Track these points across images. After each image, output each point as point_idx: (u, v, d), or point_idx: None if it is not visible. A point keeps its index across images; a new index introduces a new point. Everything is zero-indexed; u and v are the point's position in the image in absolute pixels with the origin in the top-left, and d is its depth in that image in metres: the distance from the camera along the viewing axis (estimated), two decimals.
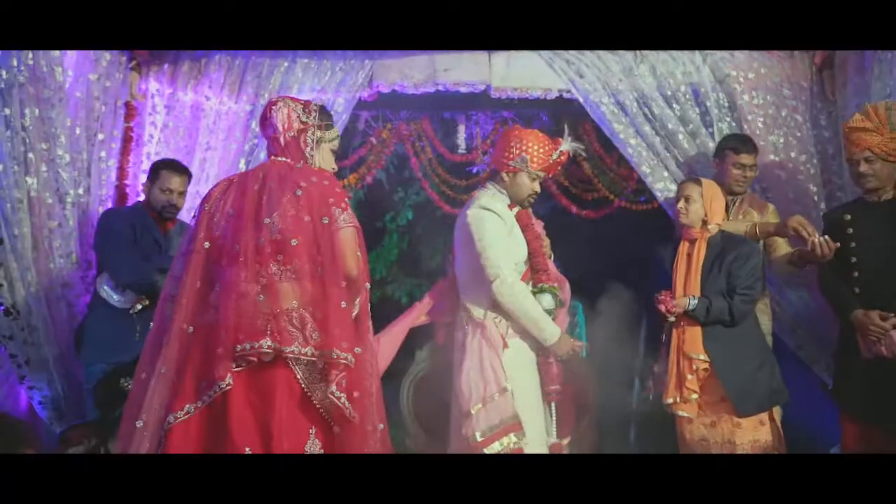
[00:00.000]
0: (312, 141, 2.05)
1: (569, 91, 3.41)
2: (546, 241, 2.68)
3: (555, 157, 2.58)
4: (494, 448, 2.32)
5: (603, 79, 3.34)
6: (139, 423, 1.85)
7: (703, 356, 2.55)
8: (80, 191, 2.99)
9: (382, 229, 5.66)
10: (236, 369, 1.84)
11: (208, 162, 3.35)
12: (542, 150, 2.55)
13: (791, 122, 3.28)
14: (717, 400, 2.59)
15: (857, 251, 2.59)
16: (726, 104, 3.33)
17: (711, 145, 3.26)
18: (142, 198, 3.07)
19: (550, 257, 2.71)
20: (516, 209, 2.60)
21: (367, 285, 2.02)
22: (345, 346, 1.86)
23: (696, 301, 2.55)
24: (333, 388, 1.85)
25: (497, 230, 2.48)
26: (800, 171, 3.23)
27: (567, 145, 2.61)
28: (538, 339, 2.49)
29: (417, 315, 2.71)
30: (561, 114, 4.11)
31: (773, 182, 3.25)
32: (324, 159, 2.09)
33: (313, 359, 1.86)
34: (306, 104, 2.10)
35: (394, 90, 3.45)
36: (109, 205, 3.17)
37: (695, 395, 2.56)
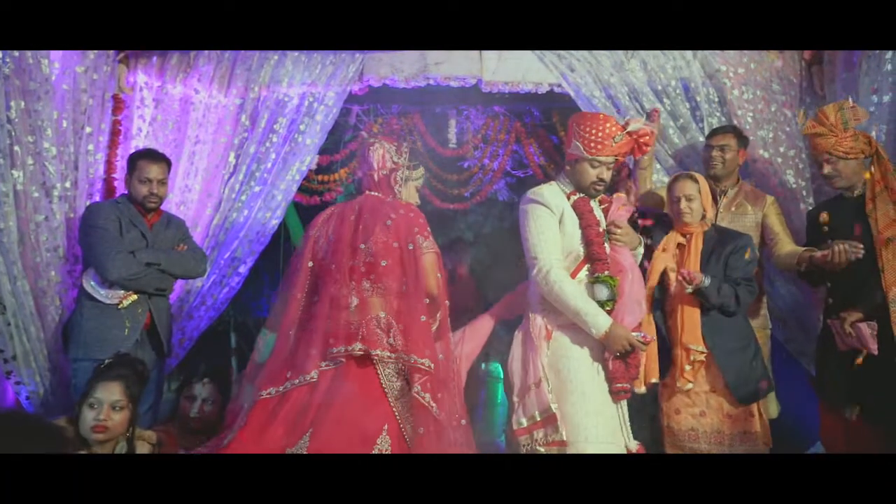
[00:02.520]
0: (402, 179, 2.40)
1: (560, 85, 3.41)
2: (622, 230, 2.46)
3: (618, 139, 2.39)
4: (534, 437, 2.30)
5: (594, 73, 3.34)
6: (245, 405, 2.22)
7: (701, 347, 2.57)
8: (68, 184, 2.96)
9: None
10: (325, 367, 2.16)
11: (197, 155, 3.33)
12: (597, 134, 2.38)
13: (780, 117, 3.30)
14: (707, 390, 2.61)
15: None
16: (716, 99, 3.35)
17: (702, 139, 3.27)
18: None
19: (639, 244, 2.55)
20: (576, 197, 2.46)
21: (447, 302, 2.30)
22: (425, 353, 2.15)
23: (709, 279, 2.57)
24: (418, 388, 2.13)
25: (539, 220, 2.40)
26: (788, 166, 3.25)
27: (636, 125, 2.42)
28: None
29: (505, 307, 2.69)
30: (552, 108, 4.11)
31: (762, 176, 3.27)
32: (409, 195, 2.43)
33: (393, 361, 2.16)
34: (399, 146, 2.43)
35: (385, 84, 3.43)
36: (97, 199, 3.14)
37: (689, 385, 2.59)
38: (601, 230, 2.44)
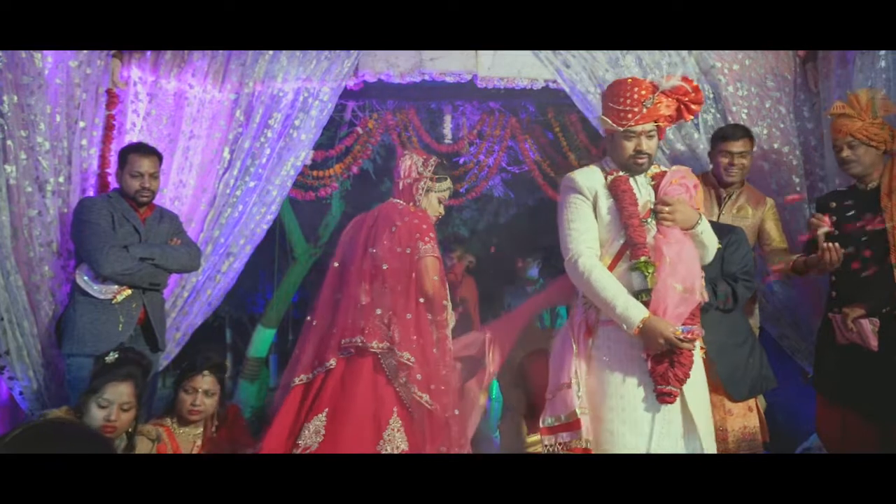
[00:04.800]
0: (423, 189, 2.58)
1: (555, 81, 3.41)
2: (670, 207, 2.14)
3: (649, 103, 2.11)
4: (558, 440, 2.16)
5: (589, 69, 3.34)
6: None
7: (700, 344, 2.57)
8: (61, 179, 2.95)
9: None
10: (342, 356, 2.41)
11: (192, 151, 3.31)
12: (625, 102, 2.12)
13: (775, 113, 3.31)
14: (710, 389, 2.61)
15: (838, 238, 2.63)
16: (711, 95, 3.35)
17: (696, 136, 3.28)
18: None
19: (698, 221, 2.19)
20: (614, 176, 2.20)
21: (445, 302, 2.46)
22: (408, 348, 2.36)
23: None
24: (403, 378, 2.36)
25: (569, 208, 2.20)
26: (783, 162, 3.26)
27: (671, 83, 2.13)
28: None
29: (547, 298, 2.68)
30: (547, 104, 4.12)
31: (757, 173, 3.28)
32: (429, 204, 2.61)
33: (388, 352, 2.37)
34: (427, 159, 2.62)
35: (380, 79, 3.43)
36: (91, 194, 3.12)
37: None
38: (643, 211, 2.17)
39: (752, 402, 2.64)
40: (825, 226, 2.52)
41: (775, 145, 3.28)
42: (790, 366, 3.24)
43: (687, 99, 2.15)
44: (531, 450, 3.27)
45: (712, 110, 3.35)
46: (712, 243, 2.28)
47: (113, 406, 2.26)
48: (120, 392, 2.28)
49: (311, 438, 2.29)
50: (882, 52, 2.91)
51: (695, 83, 2.18)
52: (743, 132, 2.92)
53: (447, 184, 2.64)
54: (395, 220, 2.49)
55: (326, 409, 2.34)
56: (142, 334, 2.86)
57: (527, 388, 3.02)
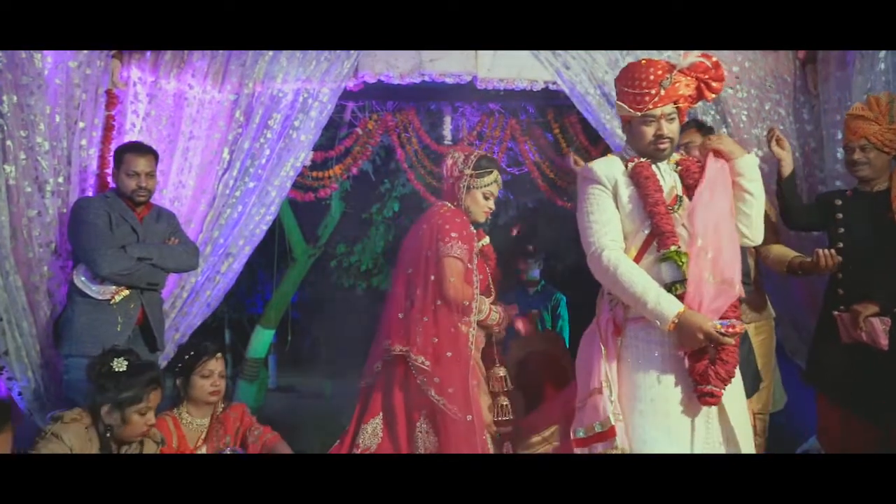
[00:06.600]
0: (464, 187, 2.52)
1: (555, 83, 3.42)
2: (720, 139, 2.04)
3: (667, 83, 1.98)
4: (592, 451, 2.01)
5: (589, 70, 3.34)
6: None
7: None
8: (60, 179, 2.94)
9: (369, 221, 5.66)
10: (386, 360, 2.45)
11: (191, 151, 3.31)
12: (641, 84, 2.00)
13: (774, 115, 3.31)
14: None
15: (843, 237, 2.64)
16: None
17: None
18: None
19: (745, 154, 2.08)
20: (635, 162, 2.08)
21: (466, 302, 2.40)
22: (426, 352, 2.35)
23: None
24: (421, 381, 2.35)
25: (589, 199, 2.08)
26: None
27: (690, 60, 2.01)
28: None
29: None
30: (547, 105, 4.12)
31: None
32: (473, 202, 2.54)
33: (409, 355, 2.36)
34: (468, 156, 2.55)
35: (380, 80, 3.43)
36: (90, 194, 3.12)
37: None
38: (668, 198, 2.05)
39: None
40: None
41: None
42: (790, 367, 3.24)
43: (707, 76, 2.02)
44: (529, 450, 3.27)
45: (712, 112, 3.35)
46: (757, 212, 2.11)
47: (151, 411, 2.36)
48: (155, 399, 2.39)
49: (370, 440, 2.42)
50: (882, 55, 2.92)
51: (715, 59, 2.03)
52: (688, 124, 2.75)
53: (492, 177, 2.52)
54: (422, 224, 2.49)
55: (381, 413, 2.44)
56: (140, 335, 2.85)
57: (521, 390, 3.01)
